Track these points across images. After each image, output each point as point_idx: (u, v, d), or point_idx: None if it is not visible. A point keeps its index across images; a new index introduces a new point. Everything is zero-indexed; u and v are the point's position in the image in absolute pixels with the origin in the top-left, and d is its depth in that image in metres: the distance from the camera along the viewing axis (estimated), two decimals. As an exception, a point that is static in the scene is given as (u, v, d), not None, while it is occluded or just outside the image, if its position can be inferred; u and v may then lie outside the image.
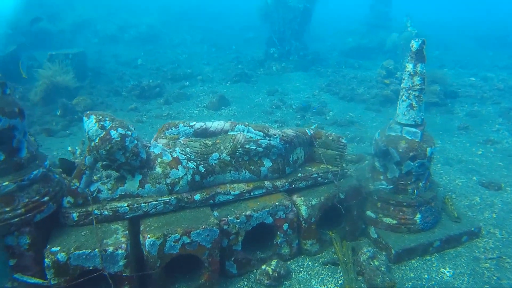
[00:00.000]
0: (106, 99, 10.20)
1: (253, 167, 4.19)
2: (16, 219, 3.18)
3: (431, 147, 4.51)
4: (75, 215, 3.61)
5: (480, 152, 7.40)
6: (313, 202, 4.31)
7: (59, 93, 9.00)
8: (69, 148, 5.33)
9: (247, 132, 4.17)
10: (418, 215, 4.54)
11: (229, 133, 4.18)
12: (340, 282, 4.06)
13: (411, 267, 4.30)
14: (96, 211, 3.65)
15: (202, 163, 3.95)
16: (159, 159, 3.86)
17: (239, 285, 4.01)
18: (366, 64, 15.42)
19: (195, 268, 3.93)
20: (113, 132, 3.56)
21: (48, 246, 3.33)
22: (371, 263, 4.08)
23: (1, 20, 14.13)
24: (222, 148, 4.06)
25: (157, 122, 8.73)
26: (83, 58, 11.80)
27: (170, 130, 4.08)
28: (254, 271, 4.17)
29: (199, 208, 3.97)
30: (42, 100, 8.86)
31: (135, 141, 3.70)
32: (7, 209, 3.16)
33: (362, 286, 3.98)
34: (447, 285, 4.04)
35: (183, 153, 3.91)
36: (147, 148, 3.93)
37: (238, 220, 3.95)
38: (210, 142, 4.07)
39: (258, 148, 4.13)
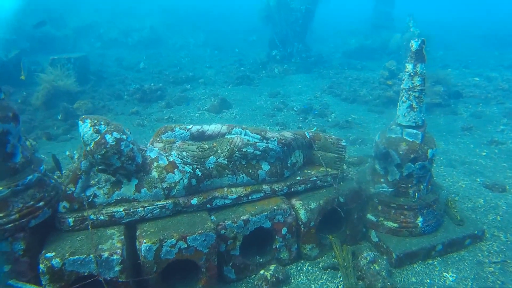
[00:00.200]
0: (108, 103, 10.22)
1: (250, 171, 4.14)
2: (10, 225, 3.16)
3: (432, 149, 4.43)
4: (70, 220, 3.58)
5: (484, 153, 7.29)
6: (312, 205, 4.25)
7: (60, 97, 9.03)
8: (67, 153, 5.32)
9: (244, 135, 4.12)
10: (420, 218, 4.46)
11: (226, 136, 4.13)
12: (340, 287, 3.99)
13: (413, 271, 4.22)
14: (92, 216, 3.62)
15: (199, 167, 3.91)
16: (155, 163, 3.83)
17: (237, 291, 3.96)
18: (369, 65, 15.33)
19: (193, 273, 3.88)
20: (108, 137, 3.53)
21: (43, 252, 3.30)
22: (372, 267, 4.00)
23: (3, 25, 14.24)
24: (219, 151, 4.01)
25: (158, 126, 8.70)
26: (85, 62, 11.85)
27: (167, 133, 4.04)
28: (253, 276, 4.11)
29: (196, 213, 3.93)
30: (44, 104, 8.89)
31: (131, 145, 3.66)
32: (1, 214, 3.14)
33: (363, 291, 3.91)
34: (449, 290, 3.97)
35: (180, 157, 3.87)
36: (143, 152, 3.90)
37: (235, 225, 3.90)
38: (207, 146, 4.03)
39: (255, 151, 4.08)
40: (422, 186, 4.53)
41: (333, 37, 20.69)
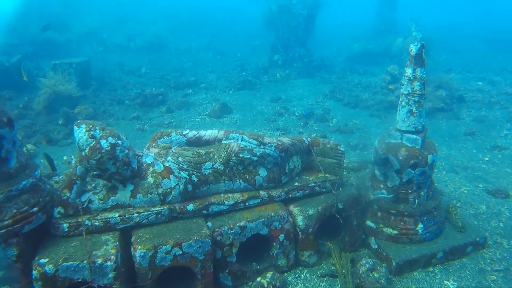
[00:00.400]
0: (109, 108, 10.23)
1: (247, 177, 4.09)
2: (2, 230, 3.14)
3: (433, 154, 4.36)
4: (65, 225, 3.55)
5: (487, 159, 7.20)
6: (310, 212, 4.19)
7: (61, 102, 9.04)
8: (65, 158, 5.31)
9: (241, 140, 4.08)
10: (420, 225, 4.38)
11: (223, 142, 4.10)
12: (338, 295, 3.92)
13: (413, 279, 4.14)
14: (86, 222, 3.59)
15: (195, 172, 3.87)
16: (151, 169, 3.79)
17: (234, 298, 3.91)
18: (372, 70, 15.27)
19: (189, 280, 3.83)
20: (103, 142, 3.51)
21: (36, 258, 3.27)
22: (371, 275, 3.93)
23: (6, 31, 14.35)
24: (215, 157, 3.98)
25: (158, 131, 8.68)
26: (87, 67, 11.89)
27: (162, 139, 4.02)
28: (250, 283, 4.06)
29: (192, 219, 3.89)
30: (45, 109, 8.91)
31: (126, 151, 3.64)
32: (-6, 220, 3.11)
33: (361, 299, 3.84)
34: (450, 299, 3.89)
35: (175, 162, 3.84)
36: (139, 157, 3.87)
37: (232, 231, 3.85)
38: (203, 151, 4.00)
39: (252, 157, 4.04)
40: (422, 192, 4.46)
41: (336, 42, 20.66)
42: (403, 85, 4.36)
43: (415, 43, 4.14)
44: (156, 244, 3.48)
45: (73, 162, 5.22)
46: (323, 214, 4.28)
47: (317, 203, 4.31)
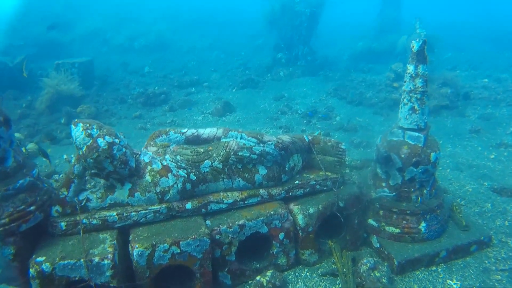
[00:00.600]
0: (111, 107, 10.24)
1: (247, 175, 4.05)
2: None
3: (436, 152, 4.29)
4: (63, 224, 3.54)
5: (492, 156, 7.09)
6: (311, 210, 4.14)
7: (64, 102, 9.07)
8: (65, 156, 5.28)
9: (240, 138, 4.04)
10: (423, 224, 4.31)
11: (222, 140, 4.06)
12: (339, 294, 3.87)
13: (415, 278, 4.07)
14: (84, 220, 3.57)
15: (193, 171, 3.83)
16: (149, 167, 3.77)
17: (233, 297, 3.87)
18: (376, 68, 15.14)
19: (187, 279, 3.80)
20: (100, 140, 3.48)
21: (33, 256, 3.26)
22: (372, 274, 3.87)
23: (10, 32, 14.43)
24: (214, 155, 3.94)
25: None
26: (90, 67, 11.92)
27: (161, 137, 3.98)
28: (249, 281, 4.02)
29: (191, 217, 3.85)
30: (48, 108, 8.95)
31: (123, 149, 3.61)
32: (-10, 219, 3.10)
33: (362, 299, 3.78)
34: (453, 299, 3.82)
35: (173, 161, 3.80)
36: (137, 156, 3.85)
37: (231, 230, 3.81)
38: (202, 150, 3.96)
39: (251, 155, 4.00)
40: (425, 191, 4.38)
41: (339, 41, 20.52)
42: (405, 82, 4.30)
43: (417, 39, 4.07)
44: (154, 243, 3.46)
45: (73, 161, 5.21)
46: (324, 213, 4.22)
47: (318, 202, 4.25)
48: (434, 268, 4.21)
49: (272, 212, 3.99)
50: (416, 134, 4.27)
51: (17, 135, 7.73)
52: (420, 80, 4.15)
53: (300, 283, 4.05)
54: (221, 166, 3.94)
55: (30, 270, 3.16)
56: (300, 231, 4.13)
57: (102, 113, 9.50)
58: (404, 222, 4.34)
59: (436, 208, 4.41)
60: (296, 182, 4.31)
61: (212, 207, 3.93)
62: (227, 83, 13.39)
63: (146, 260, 3.44)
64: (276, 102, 11.13)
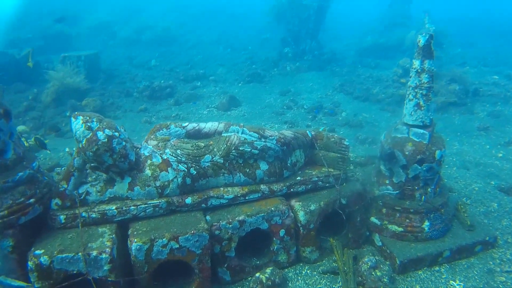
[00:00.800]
0: (117, 100, 10.24)
1: (248, 170, 4.00)
2: (-2, 222, 3.12)
3: (441, 150, 4.19)
4: (62, 217, 3.53)
5: (500, 155, 6.95)
6: (312, 207, 4.08)
7: (69, 95, 9.10)
8: (67, 149, 5.31)
9: (242, 133, 3.99)
10: (426, 223, 4.23)
11: (223, 135, 4.01)
12: (339, 292, 3.82)
13: (418, 278, 4.01)
14: (83, 214, 3.56)
15: (194, 165, 3.80)
16: (149, 161, 3.74)
17: (232, 293, 3.84)
18: (383, 63, 14.94)
19: (186, 274, 3.78)
20: (99, 134, 3.46)
21: (32, 249, 3.26)
22: (373, 273, 3.82)
23: (19, 25, 14.50)
24: (215, 150, 3.89)
25: (164, 123, 8.67)
26: (96, 60, 11.93)
27: (161, 131, 3.95)
28: (249, 278, 3.98)
29: (191, 212, 3.82)
30: (53, 101, 8.98)
31: (123, 143, 3.58)
32: (-11, 211, 3.10)
33: (363, 297, 3.73)
34: (456, 299, 3.75)
35: (174, 155, 3.77)
36: (137, 149, 3.82)
37: (230, 226, 3.77)
38: (202, 144, 3.92)
39: (253, 150, 3.95)
40: (429, 189, 4.30)
41: (347, 35, 20.31)
42: (410, 77, 4.20)
43: (423, 34, 3.97)
44: (153, 237, 3.43)
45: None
46: (326, 210, 4.16)
47: (320, 198, 4.19)
48: (437, 268, 4.14)
49: (273, 208, 3.94)
50: (421, 131, 4.18)
51: (22, 127, 7.79)
52: (426, 76, 4.05)
53: (300, 280, 4.01)
54: (222, 161, 3.89)
55: (29, 262, 3.16)
56: (301, 228, 4.08)
57: (108, 106, 9.51)
58: (407, 220, 4.27)
59: (440, 207, 4.32)
60: (298, 178, 4.25)
61: (212, 202, 3.90)
62: (233, 77, 13.33)
63: (145, 255, 3.42)
64: (282, 97, 11.05)
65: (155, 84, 11.06)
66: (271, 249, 4.07)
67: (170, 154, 3.77)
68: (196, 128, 4.01)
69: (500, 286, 3.89)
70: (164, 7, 24.11)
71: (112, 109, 9.52)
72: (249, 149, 3.94)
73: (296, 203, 4.15)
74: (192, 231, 3.52)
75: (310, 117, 9.33)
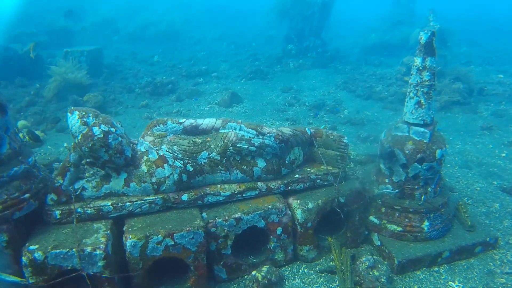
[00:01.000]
0: (119, 96, 10.22)
1: (245, 167, 3.96)
2: (-8, 216, 3.11)
3: (442, 149, 4.13)
4: (57, 212, 3.52)
5: (504, 155, 6.86)
6: (310, 205, 4.04)
7: (71, 90, 9.08)
8: (65, 145, 5.30)
9: (239, 130, 3.95)
10: (426, 223, 4.18)
11: (220, 131, 3.97)
12: (335, 292, 3.78)
13: (416, 279, 3.96)
14: (79, 209, 3.54)
15: (190, 162, 3.76)
16: (145, 157, 3.71)
17: (228, 291, 3.82)
18: (387, 61, 14.82)
19: (182, 271, 3.76)
20: (95, 129, 3.43)
21: (26, 244, 3.25)
22: (371, 273, 3.77)
23: (23, 20, 14.51)
24: (212, 146, 3.86)
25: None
26: (99, 55, 11.91)
27: (158, 127, 3.92)
28: (246, 276, 3.96)
29: (187, 209, 3.80)
30: (55, 96, 8.97)
31: (119, 138, 3.55)
32: (-17, 206, 3.08)
33: (359, 297, 3.69)
34: (454, 301, 3.70)
35: (170, 151, 3.74)
36: (134, 145, 3.79)
37: (226, 223, 3.74)
38: (199, 140, 3.88)
39: (250, 147, 3.91)
40: (429, 188, 4.24)
41: (352, 33, 20.15)
42: (411, 75, 4.14)
43: (425, 31, 3.90)
44: (147, 234, 3.41)
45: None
46: (324, 208, 4.12)
47: (318, 197, 4.15)
48: (436, 268, 4.09)
49: (270, 206, 3.91)
50: (422, 129, 4.12)
51: (23, 122, 7.79)
52: (427, 74, 3.98)
53: (297, 279, 3.97)
54: (219, 158, 3.86)
55: (23, 258, 3.15)
56: (298, 226, 4.04)
57: (109, 101, 9.50)
58: (406, 220, 4.22)
59: (440, 207, 4.27)
60: (296, 176, 4.21)
61: (209, 199, 3.86)
62: (235, 74, 13.27)
63: (139, 252, 3.40)
64: (284, 94, 10.98)
65: (157, 80, 11.02)
66: (268, 247, 4.04)
67: (166, 150, 3.74)
68: (194, 124, 3.97)
69: (500, 287, 3.83)
70: (169, 3, 24.05)
71: (113, 104, 9.50)
72: (247, 146, 3.90)
73: (293, 201, 4.11)
74: (188, 228, 3.49)
75: (311, 114, 9.26)
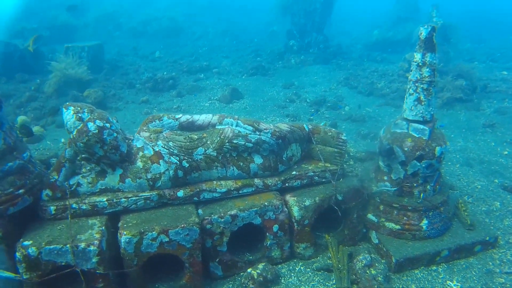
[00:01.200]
0: (119, 91, 10.20)
1: (242, 164, 3.93)
2: (-14, 212, 3.09)
3: (441, 146, 4.07)
4: (52, 208, 3.50)
5: (506, 153, 6.78)
6: (307, 203, 4.00)
7: (72, 86, 9.07)
8: (62, 140, 5.28)
9: (236, 126, 3.91)
10: (425, 221, 4.13)
11: (217, 127, 3.93)
12: (332, 290, 3.75)
13: (414, 277, 3.92)
14: (74, 205, 3.53)
15: (186, 158, 3.73)
16: (141, 153, 3.68)
17: (223, 288, 3.79)
18: (390, 58, 14.71)
19: (177, 268, 3.74)
20: (90, 124, 3.41)
21: (20, 240, 3.23)
22: (367, 272, 3.74)
23: (25, 15, 14.48)
24: (208, 142, 3.82)
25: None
26: (100, 51, 11.89)
27: (154, 123, 3.88)
28: (242, 273, 3.93)
29: (183, 206, 3.77)
30: (56, 92, 8.97)
31: (114, 134, 3.52)
32: (-23, 201, 3.07)
33: (356, 296, 3.66)
34: (452, 300, 3.66)
35: (166, 147, 3.71)
36: (129, 141, 3.76)
37: (222, 220, 3.71)
38: (195, 136, 3.85)
39: (247, 144, 3.87)
40: (428, 186, 4.19)
41: (355, 29, 20.03)
42: (411, 71, 4.08)
43: (425, 26, 3.83)
44: (142, 230, 3.39)
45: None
46: (321, 206, 4.08)
47: (315, 194, 4.11)
48: (434, 267, 4.04)
49: (266, 203, 3.87)
50: (421, 126, 4.06)
51: (23, 117, 7.78)
52: (427, 70, 3.92)
53: (293, 277, 3.94)
54: (215, 154, 3.82)
55: (17, 253, 3.13)
56: (295, 223, 4.01)
57: (109, 97, 9.48)
58: (405, 218, 4.17)
59: (439, 205, 4.21)
60: (294, 172, 4.17)
61: (205, 195, 3.84)
62: (237, 70, 13.22)
63: (134, 248, 3.38)
64: (285, 90, 10.92)
65: (158, 75, 10.99)
66: (265, 245, 4.01)
67: (162, 146, 3.71)
68: (190, 120, 3.94)
69: (499, 287, 3.79)
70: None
71: (114, 100, 9.48)
72: (243, 142, 3.86)
73: (290, 198, 4.07)
74: (183, 225, 3.47)
75: (312, 110, 9.20)
